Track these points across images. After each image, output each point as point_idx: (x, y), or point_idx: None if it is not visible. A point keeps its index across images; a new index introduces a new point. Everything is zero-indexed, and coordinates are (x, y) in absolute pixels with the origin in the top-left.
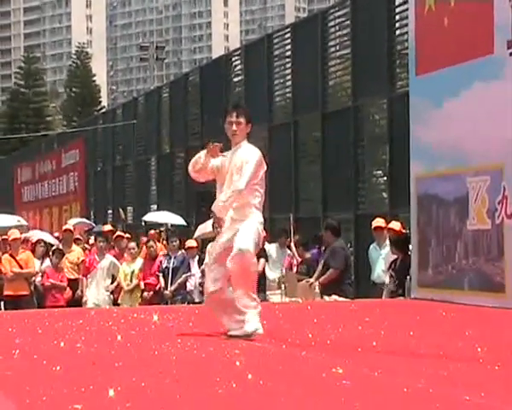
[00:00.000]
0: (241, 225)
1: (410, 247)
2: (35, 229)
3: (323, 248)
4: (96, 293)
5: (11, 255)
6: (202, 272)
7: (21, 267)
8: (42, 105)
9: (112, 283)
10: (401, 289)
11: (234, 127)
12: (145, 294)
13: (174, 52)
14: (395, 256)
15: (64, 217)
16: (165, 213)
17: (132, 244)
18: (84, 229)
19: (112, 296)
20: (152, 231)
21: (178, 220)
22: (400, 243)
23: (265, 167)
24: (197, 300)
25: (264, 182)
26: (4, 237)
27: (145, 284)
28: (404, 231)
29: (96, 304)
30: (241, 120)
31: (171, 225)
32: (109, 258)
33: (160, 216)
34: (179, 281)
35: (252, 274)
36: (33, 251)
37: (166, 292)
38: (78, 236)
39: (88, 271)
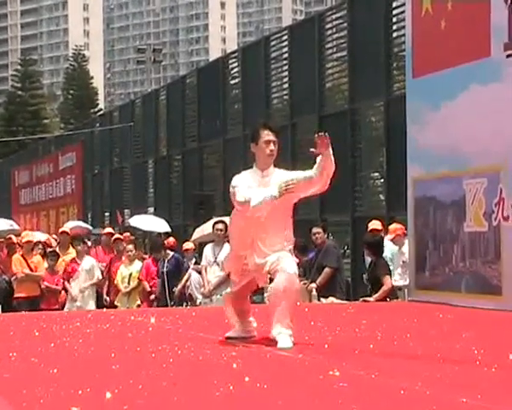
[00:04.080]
0: (274, 254)
1: (392, 249)
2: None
3: (316, 250)
4: (80, 296)
5: (23, 257)
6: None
7: (31, 270)
8: (39, 108)
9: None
10: (374, 293)
11: (272, 146)
12: (153, 296)
13: (171, 54)
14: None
15: (61, 220)
16: (150, 219)
17: (130, 247)
18: (79, 233)
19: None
20: (127, 234)
21: (162, 227)
22: (374, 245)
23: None
24: (200, 300)
25: None
26: (1, 239)
27: (151, 287)
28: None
29: (80, 307)
30: (277, 140)
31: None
32: (90, 260)
33: (145, 222)
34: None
35: (295, 297)
36: None
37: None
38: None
39: (70, 276)
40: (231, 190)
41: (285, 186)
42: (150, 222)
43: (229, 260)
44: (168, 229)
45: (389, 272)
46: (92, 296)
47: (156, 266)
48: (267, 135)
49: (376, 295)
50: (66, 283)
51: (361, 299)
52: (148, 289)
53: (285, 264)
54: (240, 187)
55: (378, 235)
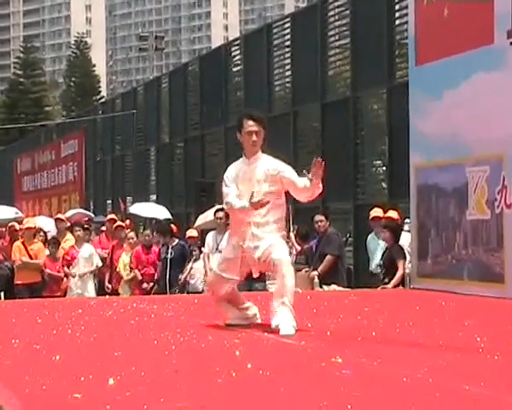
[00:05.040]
0: (266, 239)
1: (406, 238)
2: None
3: (319, 237)
4: (79, 283)
5: (23, 244)
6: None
7: (31, 257)
8: (41, 95)
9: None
10: (388, 278)
11: (254, 137)
12: (145, 285)
13: (173, 42)
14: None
15: (63, 207)
16: (151, 206)
17: (131, 234)
18: (79, 220)
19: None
20: (128, 221)
21: (163, 214)
22: (397, 230)
23: None
24: (190, 289)
25: None
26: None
27: (143, 275)
28: (397, 219)
29: (80, 294)
30: (261, 129)
31: (171, 215)
32: (89, 247)
33: (145, 209)
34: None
35: (291, 283)
36: None
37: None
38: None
39: (69, 263)
40: (223, 182)
41: (259, 202)
42: (150, 209)
43: (228, 250)
44: (168, 216)
45: (405, 257)
46: (91, 282)
47: (147, 253)
48: (250, 126)
49: (393, 280)
50: (66, 269)
51: (380, 287)
52: (140, 277)
53: (277, 251)
54: (227, 186)
55: (397, 221)
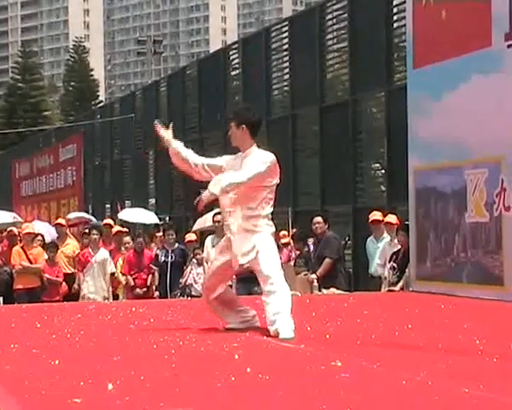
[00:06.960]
0: (253, 236)
1: None
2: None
3: (316, 240)
4: (93, 287)
5: (22, 248)
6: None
7: (30, 262)
8: (39, 99)
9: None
10: (398, 280)
11: (229, 133)
12: (137, 290)
13: (172, 46)
14: (395, 249)
15: (62, 211)
16: (139, 211)
17: (127, 238)
18: (81, 223)
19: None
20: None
21: (151, 219)
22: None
23: (278, 175)
24: (194, 293)
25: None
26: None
27: (135, 279)
28: (396, 224)
29: (93, 298)
30: (231, 125)
31: (170, 218)
32: (104, 252)
33: (134, 215)
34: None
35: (283, 295)
36: None
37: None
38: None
39: (84, 266)
40: None
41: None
42: (139, 215)
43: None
44: (157, 221)
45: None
46: (107, 289)
47: (138, 258)
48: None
49: (400, 283)
50: (80, 274)
51: (387, 289)
52: (132, 282)
53: (265, 264)
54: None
55: (396, 225)
